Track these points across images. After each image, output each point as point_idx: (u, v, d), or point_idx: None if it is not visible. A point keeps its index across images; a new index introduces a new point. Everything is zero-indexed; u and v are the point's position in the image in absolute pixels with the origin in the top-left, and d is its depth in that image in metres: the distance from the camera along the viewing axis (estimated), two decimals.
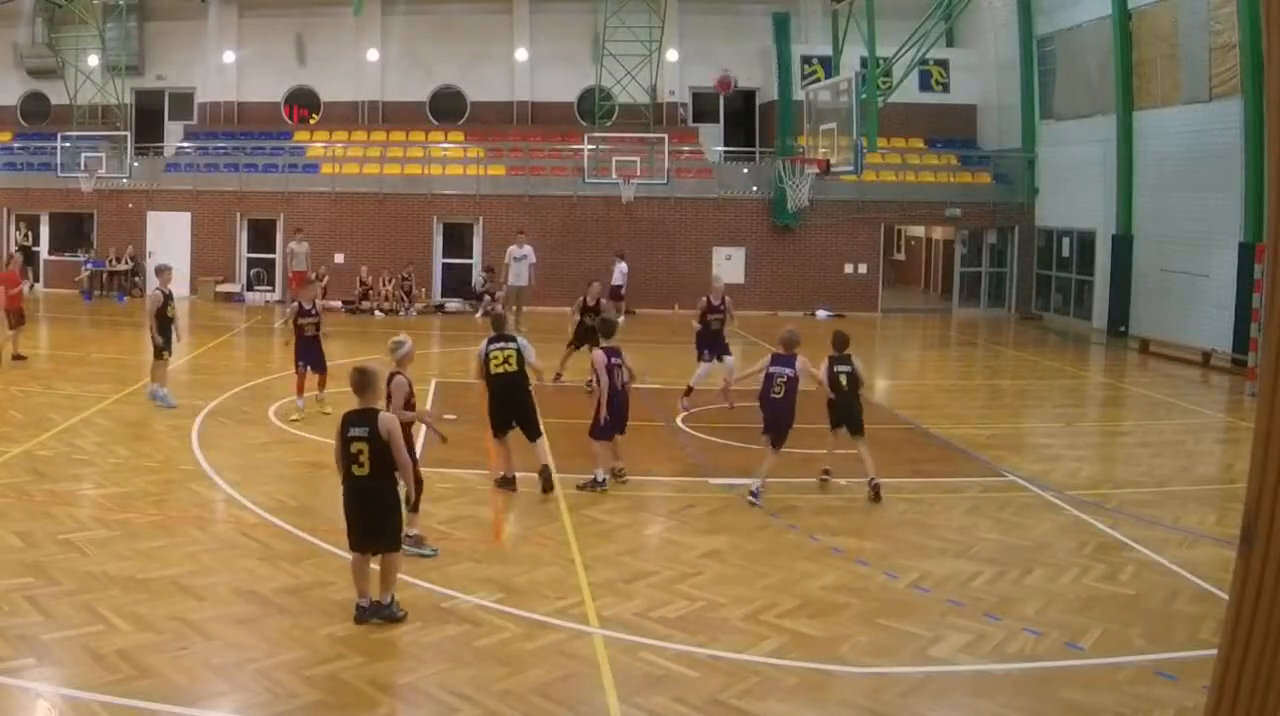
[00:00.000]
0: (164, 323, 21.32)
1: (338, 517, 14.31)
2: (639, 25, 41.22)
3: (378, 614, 10.75)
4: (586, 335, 22.08)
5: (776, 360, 16.17)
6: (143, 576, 11.75)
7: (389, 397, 12.47)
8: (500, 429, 16.18)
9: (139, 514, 14.14)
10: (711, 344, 21.89)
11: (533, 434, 16.21)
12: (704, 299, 22.14)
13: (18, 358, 25.58)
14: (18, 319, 26.01)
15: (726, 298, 22.18)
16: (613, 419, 16.29)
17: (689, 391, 21.59)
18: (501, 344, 16.19)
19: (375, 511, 10.83)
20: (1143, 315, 34.53)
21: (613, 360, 16.25)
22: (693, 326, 22.72)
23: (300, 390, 20.79)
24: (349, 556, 11.81)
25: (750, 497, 15.68)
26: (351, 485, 10.86)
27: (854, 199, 40.92)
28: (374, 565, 11.02)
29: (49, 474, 15.91)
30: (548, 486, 15.83)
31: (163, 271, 22.18)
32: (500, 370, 16.05)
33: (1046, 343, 35.78)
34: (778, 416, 16.03)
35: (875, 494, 15.98)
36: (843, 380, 16.49)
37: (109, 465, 16.66)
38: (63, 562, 12.05)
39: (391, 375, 12.70)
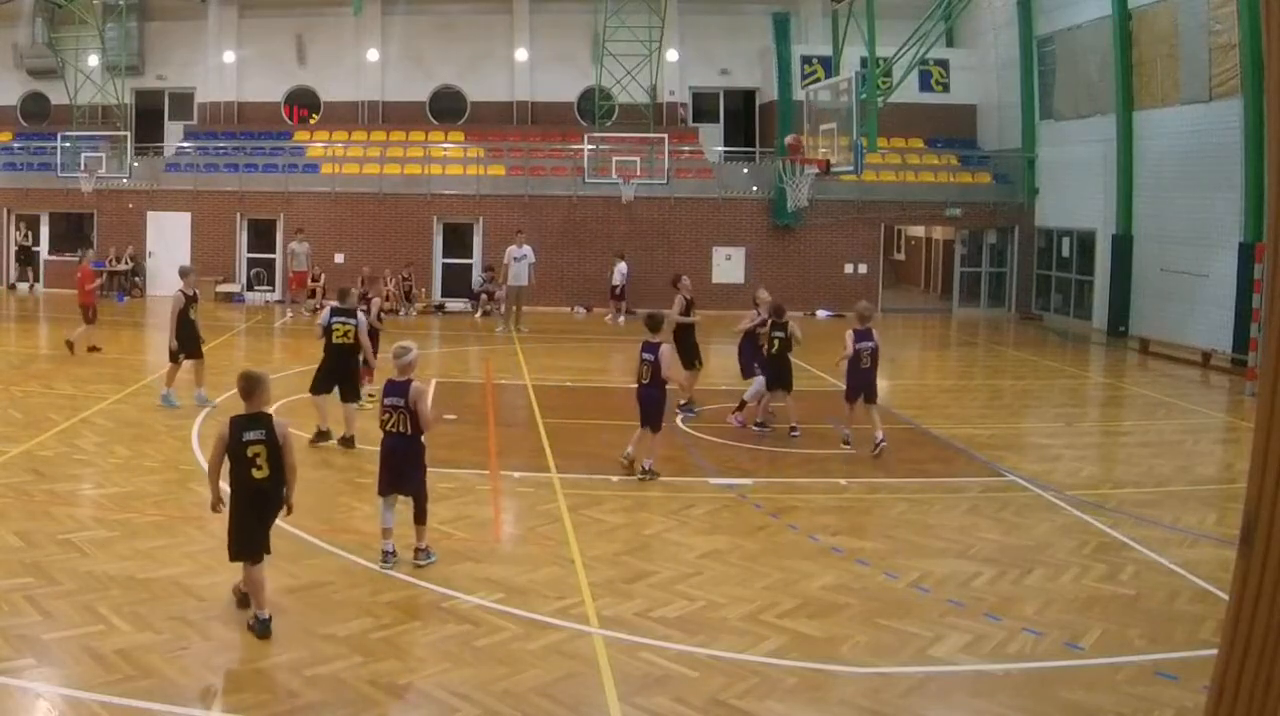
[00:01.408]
0: (185, 325, 21.31)
1: (337, 517, 14.37)
2: (639, 25, 41.16)
3: (255, 629, 10.47)
4: (688, 336, 21.91)
5: (860, 336, 18.69)
6: (143, 576, 11.75)
7: (417, 403, 12.43)
8: (322, 389, 18.39)
9: (139, 514, 14.14)
10: (760, 358, 21.42)
11: (350, 397, 18.36)
12: (756, 312, 21.77)
13: (69, 345, 26.69)
14: (93, 314, 27.42)
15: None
16: (640, 412, 16.69)
17: (742, 406, 21.19)
18: (343, 318, 18.39)
19: (268, 516, 10.84)
20: (1143, 315, 34.54)
21: (644, 355, 16.69)
22: (737, 335, 22.00)
23: (369, 379, 21.23)
24: (347, 556, 11.90)
25: (845, 446, 18.90)
26: (250, 487, 10.66)
27: (854, 199, 40.95)
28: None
29: (49, 474, 15.91)
30: (348, 445, 17.93)
31: (186, 274, 22.20)
32: (341, 341, 18.24)
33: (1046, 342, 35.77)
34: (867, 383, 18.77)
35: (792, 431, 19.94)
36: (775, 343, 19.90)
37: (109, 465, 16.65)
38: (63, 562, 12.04)
39: (408, 383, 12.63)
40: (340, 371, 18.39)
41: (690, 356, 21.88)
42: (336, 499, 15.38)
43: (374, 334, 21.05)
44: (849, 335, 18.79)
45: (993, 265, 43.63)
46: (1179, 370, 29.81)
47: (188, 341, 21.32)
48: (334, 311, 18.58)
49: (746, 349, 21.56)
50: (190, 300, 21.47)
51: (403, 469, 12.59)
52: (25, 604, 10.80)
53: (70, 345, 26.51)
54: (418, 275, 39.63)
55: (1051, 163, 40.47)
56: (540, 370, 26.65)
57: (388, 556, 12.47)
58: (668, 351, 16.76)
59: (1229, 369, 28.83)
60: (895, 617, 11.33)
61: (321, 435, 18.12)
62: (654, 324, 17.22)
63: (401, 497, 12.66)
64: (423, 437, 12.65)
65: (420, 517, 12.60)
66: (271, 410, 11.08)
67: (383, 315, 22.17)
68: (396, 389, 12.54)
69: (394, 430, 12.57)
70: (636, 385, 16.85)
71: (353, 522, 14.24)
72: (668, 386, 16.96)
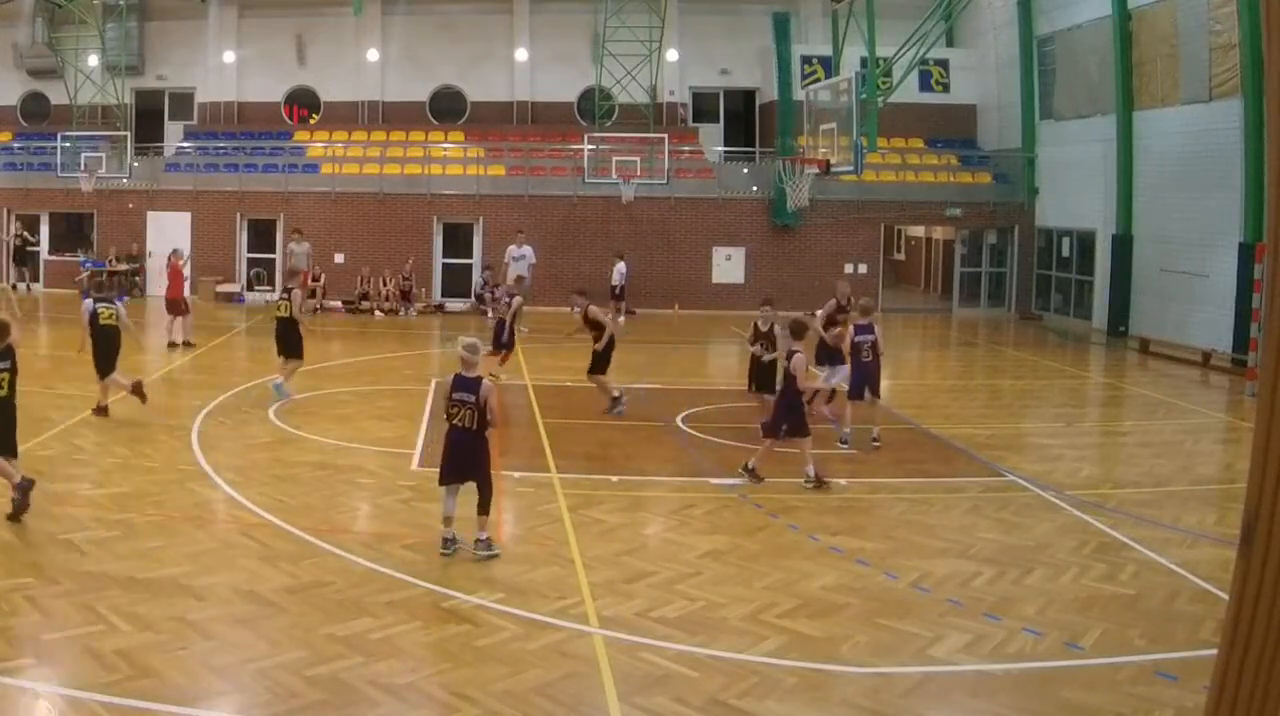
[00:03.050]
0: (292, 324, 22.26)
1: (337, 517, 14.38)
2: (639, 25, 41.16)
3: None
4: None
5: (860, 329, 19.07)
6: (142, 576, 11.76)
7: (487, 400, 12.66)
8: (105, 372, 20.19)
9: (139, 514, 14.15)
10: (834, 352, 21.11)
11: (108, 372, 20.29)
12: (832, 302, 21.75)
13: (188, 344, 29.02)
14: (183, 308, 29.59)
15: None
16: (774, 419, 16.81)
17: (832, 396, 21.10)
18: (106, 303, 20.49)
19: (10, 424, 13.82)
20: (1142, 315, 34.52)
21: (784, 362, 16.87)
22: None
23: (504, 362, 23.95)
24: (347, 556, 11.92)
25: (842, 445, 19.05)
26: None
27: (854, 199, 40.92)
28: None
29: (49, 474, 15.86)
30: (102, 413, 20.03)
31: (296, 273, 23.07)
32: (107, 323, 20.23)
33: (1046, 342, 35.78)
34: (871, 375, 19.16)
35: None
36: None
37: (109, 465, 16.68)
38: (62, 562, 12.06)
39: (478, 380, 12.77)
40: (111, 351, 20.38)
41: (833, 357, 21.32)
42: (337, 499, 15.39)
43: (507, 327, 24.30)
44: (849, 329, 19.11)
45: (993, 265, 43.66)
46: (1179, 370, 29.81)
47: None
48: (97, 299, 20.60)
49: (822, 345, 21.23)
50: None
51: (465, 462, 12.82)
52: (25, 604, 10.82)
53: (188, 344, 28.97)
54: (418, 275, 39.62)
55: (1051, 163, 40.47)
56: (540, 370, 26.62)
57: (447, 543, 12.77)
58: (800, 360, 16.59)
59: (1229, 369, 28.83)
60: (895, 617, 11.34)
61: (102, 409, 20.11)
62: (798, 331, 16.99)
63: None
64: (487, 433, 12.83)
65: (483, 508, 12.80)
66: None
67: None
68: (467, 385, 12.76)
69: (460, 424, 12.74)
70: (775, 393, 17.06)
71: (353, 523, 14.25)
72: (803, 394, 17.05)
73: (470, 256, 41.80)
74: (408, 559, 12.51)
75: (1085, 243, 38.24)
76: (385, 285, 39.11)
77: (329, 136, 45.04)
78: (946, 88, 45.27)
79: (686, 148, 43.91)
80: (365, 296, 39.05)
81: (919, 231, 50.67)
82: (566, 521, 14.47)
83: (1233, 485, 17.02)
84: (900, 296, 46.47)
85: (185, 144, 44.99)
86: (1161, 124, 33.65)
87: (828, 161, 32.43)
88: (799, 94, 38.63)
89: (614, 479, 16.66)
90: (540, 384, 24.83)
